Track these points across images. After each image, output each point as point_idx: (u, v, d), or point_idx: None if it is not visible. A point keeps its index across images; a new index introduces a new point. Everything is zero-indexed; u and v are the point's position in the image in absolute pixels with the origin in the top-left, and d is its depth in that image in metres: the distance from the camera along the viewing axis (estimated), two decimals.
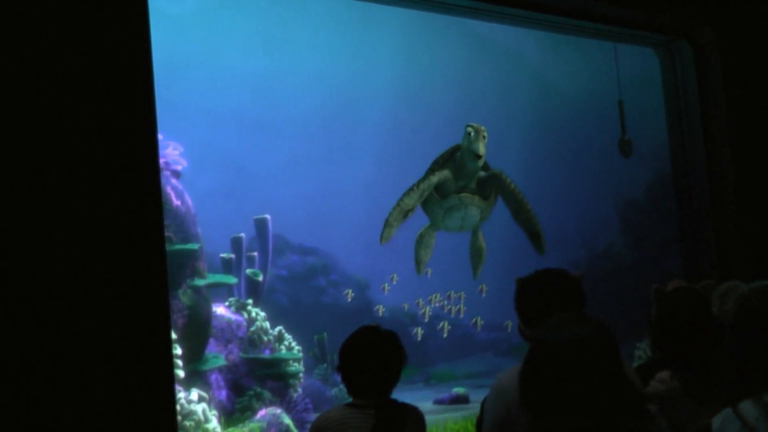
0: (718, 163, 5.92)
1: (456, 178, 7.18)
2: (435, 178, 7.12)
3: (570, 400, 1.98)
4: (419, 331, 9.94)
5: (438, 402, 11.08)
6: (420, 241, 7.82)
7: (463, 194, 7.25)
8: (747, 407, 2.33)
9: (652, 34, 6.11)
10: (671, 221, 6.69)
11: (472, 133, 6.92)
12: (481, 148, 6.91)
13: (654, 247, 14.42)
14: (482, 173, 7.28)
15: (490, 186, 7.36)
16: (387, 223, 7.18)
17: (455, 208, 7.34)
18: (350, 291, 8.48)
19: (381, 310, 10.10)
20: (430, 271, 8.39)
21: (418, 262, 7.90)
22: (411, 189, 7.19)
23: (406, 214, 7.22)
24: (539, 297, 2.93)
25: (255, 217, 10.63)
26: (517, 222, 7.54)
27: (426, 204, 7.41)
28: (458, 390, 11.37)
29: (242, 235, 10.16)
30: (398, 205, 7.15)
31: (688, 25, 5.98)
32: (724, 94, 5.85)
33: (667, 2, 5.77)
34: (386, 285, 9.39)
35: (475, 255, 7.90)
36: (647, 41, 6.32)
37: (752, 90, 5.83)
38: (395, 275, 9.52)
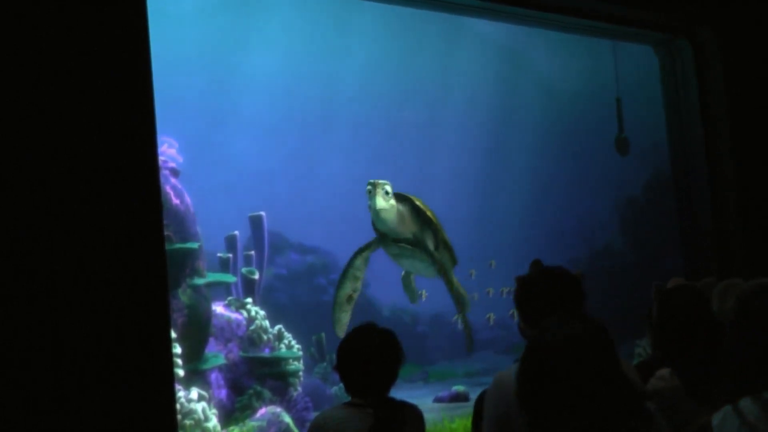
0: (718, 162, 5.92)
1: (389, 232, 7.08)
2: (356, 260, 7.20)
3: (567, 399, 1.98)
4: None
5: (438, 400, 11.09)
6: (404, 283, 8.21)
7: (401, 244, 7.16)
8: (747, 405, 2.34)
9: (652, 32, 6.11)
10: (671, 219, 6.69)
11: (370, 190, 6.80)
12: (379, 202, 6.72)
13: (654, 246, 14.43)
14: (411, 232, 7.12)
15: (428, 238, 7.20)
16: (335, 321, 7.26)
17: (400, 255, 7.30)
18: (424, 292, 8.58)
19: (471, 300, 9.98)
20: (425, 294, 8.52)
21: (411, 298, 8.44)
22: (339, 279, 7.28)
23: (349, 299, 7.27)
24: (539, 296, 2.93)
25: (250, 214, 10.64)
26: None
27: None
28: (458, 388, 11.38)
29: (236, 233, 10.16)
30: (334, 301, 7.26)
31: (687, 24, 5.98)
32: (723, 92, 5.85)
33: (666, 1, 5.77)
34: (473, 271, 9.47)
35: (457, 301, 7.56)
36: (647, 39, 6.32)
37: (752, 88, 5.83)
38: (473, 271, 9.61)
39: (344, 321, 7.27)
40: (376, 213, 6.84)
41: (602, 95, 8.11)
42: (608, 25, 5.97)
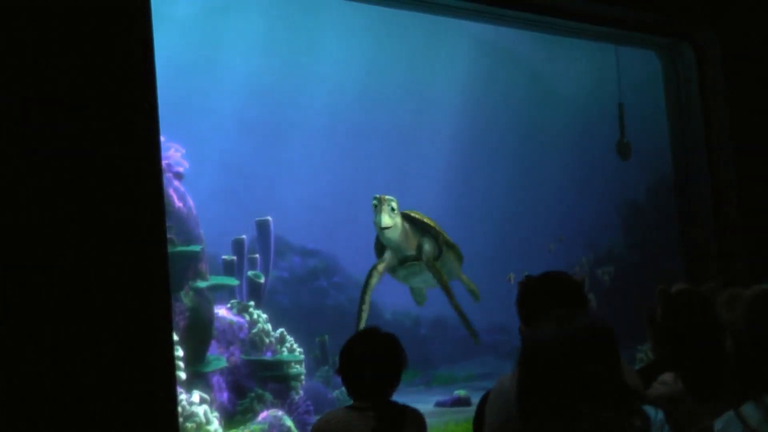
0: (720, 166, 5.92)
1: (394, 252, 6.97)
2: (372, 279, 7.05)
3: (566, 399, 1.97)
4: None
5: (439, 404, 11.08)
6: (413, 293, 8.17)
7: (408, 263, 7.05)
8: (749, 410, 2.34)
9: (654, 36, 6.11)
10: (673, 224, 6.69)
11: (376, 205, 6.61)
12: (385, 219, 6.55)
13: (655, 250, 14.41)
14: (413, 249, 7.05)
15: (429, 245, 7.13)
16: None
17: (408, 276, 7.20)
18: (525, 272, 8.55)
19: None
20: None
21: (418, 302, 8.42)
22: (358, 309, 7.07)
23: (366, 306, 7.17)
24: (540, 300, 2.93)
25: (257, 219, 10.63)
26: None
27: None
28: (460, 392, 11.38)
29: (244, 236, 10.16)
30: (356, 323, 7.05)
31: (689, 28, 5.98)
32: (725, 96, 5.85)
33: (668, 4, 5.77)
34: (551, 245, 9.47)
35: (472, 295, 7.97)
36: (648, 44, 6.32)
37: (754, 92, 5.83)
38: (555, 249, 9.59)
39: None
40: (380, 231, 6.69)
41: (605, 98, 8.09)
42: (609, 29, 5.97)
